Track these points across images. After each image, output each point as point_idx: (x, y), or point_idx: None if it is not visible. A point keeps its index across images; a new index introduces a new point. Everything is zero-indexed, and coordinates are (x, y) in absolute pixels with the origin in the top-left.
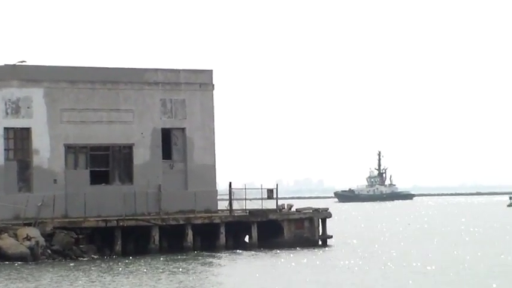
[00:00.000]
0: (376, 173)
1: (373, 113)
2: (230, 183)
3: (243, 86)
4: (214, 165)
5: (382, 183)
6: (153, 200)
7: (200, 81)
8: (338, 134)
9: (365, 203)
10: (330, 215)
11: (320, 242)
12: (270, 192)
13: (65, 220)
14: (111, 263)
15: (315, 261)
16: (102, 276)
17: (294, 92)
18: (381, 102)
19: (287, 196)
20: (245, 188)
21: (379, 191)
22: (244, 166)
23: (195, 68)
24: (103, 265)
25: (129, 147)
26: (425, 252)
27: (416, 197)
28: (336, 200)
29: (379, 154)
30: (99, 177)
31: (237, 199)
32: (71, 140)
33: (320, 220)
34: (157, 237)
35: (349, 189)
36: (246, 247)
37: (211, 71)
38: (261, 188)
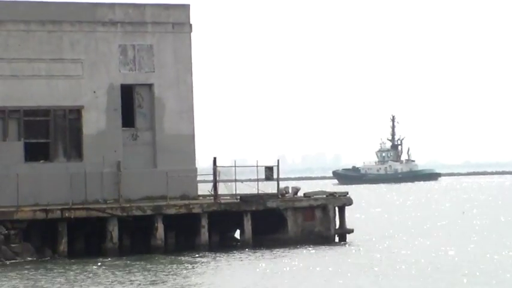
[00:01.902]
0: (389, 145)
1: (390, 78)
2: (215, 159)
3: (231, 26)
4: (193, 136)
5: (397, 158)
6: (110, 182)
7: (173, 21)
8: (355, 99)
9: (374, 185)
10: (350, 202)
11: (337, 239)
12: (269, 171)
13: None
14: (52, 268)
15: (331, 266)
16: (37, 287)
17: (298, 42)
18: (399, 66)
19: (292, 176)
20: (235, 166)
21: (393, 169)
22: (233, 137)
23: (166, 2)
24: (41, 271)
25: (77, 111)
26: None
27: (443, 177)
28: (336, 181)
29: (392, 120)
30: (36, 152)
31: (224, 181)
32: None
33: (337, 209)
34: (116, 233)
35: (353, 166)
36: (236, 246)
37: (188, 6)
38: (257, 166)
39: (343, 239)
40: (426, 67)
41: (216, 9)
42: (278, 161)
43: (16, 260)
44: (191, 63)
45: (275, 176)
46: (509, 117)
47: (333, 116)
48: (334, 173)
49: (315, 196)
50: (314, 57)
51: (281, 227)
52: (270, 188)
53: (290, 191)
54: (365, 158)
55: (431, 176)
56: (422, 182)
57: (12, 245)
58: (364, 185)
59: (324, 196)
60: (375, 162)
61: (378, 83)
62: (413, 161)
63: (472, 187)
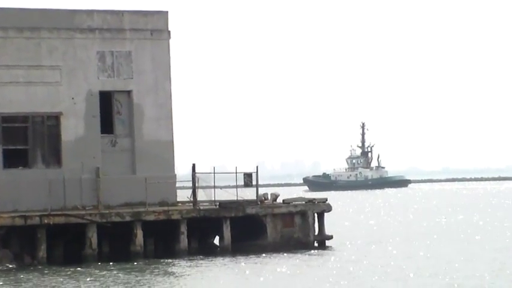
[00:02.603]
0: (358, 152)
1: (366, 84)
2: (194, 165)
3: (210, 33)
4: (172, 142)
5: (367, 165)
6: (88, 189)
7: (151, 27)
8: (332, 106)
9: (344, 191)
10: (329, 208)
11: (316, 245)
12: (248, 177)
13: None
14: (31, 275)
15: (311, 271)
16: None
17: (275, 50)
18: (373, 73)
19: (272, 183)
20: (214, 172)
21: (363, 175)
22: (212, 144)
23: (145, 9)
24: (21, 277)
25: (56, 118)
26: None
27: (412, 184)
28: (306, 188)
29: (362, 127)
30: (14, 158)
31: (203, 187)
32: None
33: (316, 215)
34: (95, 240)
35: (323, 173)
36: (215, 252)
37: (167, 12)
38: (236, 172)
39: (322, 245)
40: (411, 72)
41: (194, 16)
42: (257, 167)
43: None
44: (170, 69)
45: (254, 183)
46: (489, 122)
47: (311, 123)
48: (304, 179)
49: (294, 202)
50: (293, 64)
51: (260, 233)
52: (249, 194)
53: (269, 197)
54: (341, 164)
55: (401, 182)
56: (392, 189)
57: None
58: (335, 192)
59: (303, 202)
60: (345, 169)
61: (351, 90)
62: (384, 167)
63: (444, 193)
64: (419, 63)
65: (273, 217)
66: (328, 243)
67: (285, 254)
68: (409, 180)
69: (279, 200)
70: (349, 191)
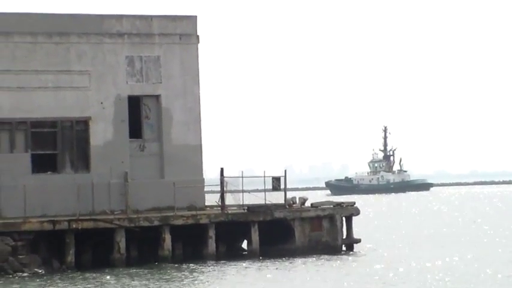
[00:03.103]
0: (381, 155)
1: (386, 88)
2: (222, 169)
3: (238, 37)
4: (201, 146)
5: (389, 169)
6: (117, 193)
7: (180, 32)
8: (360, 110)
9: (366, 195)
10: (357, 212)
11: (344, 248)
12: (276, 181)
13: None
14: (59, 281)
15: (339, 275)
16: None
17: (303, 52)
18: (396, 77)
19: (300, 186)
20: (242, 176)
21: (385, 179)
22: (240, 148)
23: (173, 13)
24: (48, 282)
25: (84, 123)
26: None
27: (435, 187)
28: (328, 192)
29: (384, 131)
30: (43, 164)
31: (231, 191)
32: (4, 113)
33: (344, 218)
34: (123, 244)
35: (346, 177)
36: (243, 256)
37: (195, 17)
38: (264, 176)
39: (350, 248)
40: (428, 76)
41: (223, 20)
42: (285, 171)
43: (23, 272)
44: (198, 74)
45: (282, 186)
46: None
47: (338, 126)
48: (327, 183)
49: (322, 206)
50: (319, 68)
51: (288, 237)
52: (277, 198)
53: (297, 201)
54: (366, 168)
55: (423, 186)
56: (414, 192)
57: (20, 257)
58: (357, 195)
59: (331, 206)
60: (368, 173)
61: (376, 93)
62: (406, 171)
63: (468, 196)
64: (445, 65)
65: (301, 221)
66: (356, 246)
67: (314, 258)
68: (432, 183)
69: (307, 203)
70: (371, 195)
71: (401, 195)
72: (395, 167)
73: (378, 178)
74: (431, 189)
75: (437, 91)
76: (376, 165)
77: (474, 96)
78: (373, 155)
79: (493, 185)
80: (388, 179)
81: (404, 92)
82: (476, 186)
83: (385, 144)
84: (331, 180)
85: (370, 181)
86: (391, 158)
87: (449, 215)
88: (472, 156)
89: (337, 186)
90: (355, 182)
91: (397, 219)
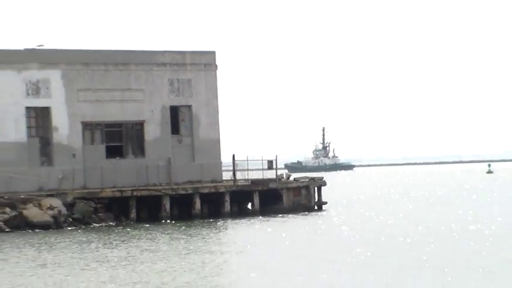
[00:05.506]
0: (320, 146)
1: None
2: (233, 155)
3: (243, 66)
4: (219, 140)
5: (326, 155)
6: (163, 171)
7: (204, 62)
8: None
9: (311, 173)
10: (325, 183)
11: (316, 208)
12: (270, 163)
13: (84, 191)
14: (126, 229)
15: (313, 223)
16: (119, 240)
17: (289, 73)
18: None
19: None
20: (247, 160)
21: (323, 162)
22: (246, 140)
23: (200, 49)
24: (120, 230)
25: (141, 124)
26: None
27: (356, 168)
28: (286, 171)
29: (323, 130)
30: (114, 152)
31: (240, 170)
32: (87, 117)
33: (316, 188)
34: (168, 206)
35: (298, 161)
36: (248, 214)
37: (215, 52)
38: (262, 160)
39: (320, 208)
40: (362, 81)
41: (236, 53)
42: (276, 156)
43: (102, 224)
44: (217, 91)
45: (274, 166)
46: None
47: (292, 126)
48: (285, 165)
49: (301, 180)
50: (325, 72)
51: (278, 201)
52: (271, 174)
53: (285, 176)
54: (310, 155)
55: (347, 166)
56: (342, 171)
57: (99, 214)
58: (305, 173)
59: (307, 179)
60: (312, 158)
61: (313, 99)
62: (337, 156)
63: (383, 174)
64: (376, 70)
65: (287, 190)
66: (324, 207)
67: (296, 215)
68: (354, 165)
69: (291, 178)
70: (314, 173)
71: (333, 172)
72: (330, 154)
73: (319, 162)
74: (354, 169)
75: (373, 93)
76: (317, 153)
77: (406, 93)
78: (315, 146)
79: (416, 166)
80: (325, 162)
81: (343, 94)
82: (399, 166)
83: (323, 139)
84: (288, 163)
85: (313, 164)
86: (327, 148)
87: (367, 186)
88: (404, 144)
89: (292, 167)
90: (303, 164)
91: (339, 188)
